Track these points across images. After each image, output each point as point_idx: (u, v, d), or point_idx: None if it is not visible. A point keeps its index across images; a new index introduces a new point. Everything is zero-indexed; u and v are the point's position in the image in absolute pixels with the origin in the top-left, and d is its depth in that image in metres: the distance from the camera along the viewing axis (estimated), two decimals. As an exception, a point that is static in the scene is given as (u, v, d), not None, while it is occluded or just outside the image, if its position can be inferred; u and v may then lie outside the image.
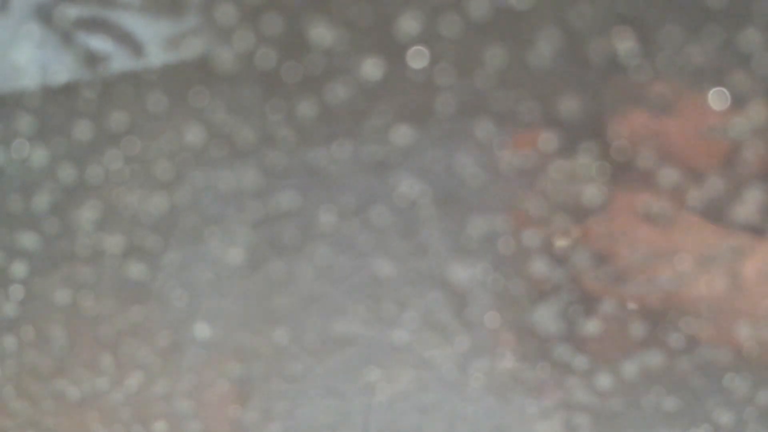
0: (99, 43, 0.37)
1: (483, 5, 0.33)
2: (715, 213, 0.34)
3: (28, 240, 0.39)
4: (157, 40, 0.36)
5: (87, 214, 0.38)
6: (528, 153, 0.34)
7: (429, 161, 0.35)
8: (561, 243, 0.36)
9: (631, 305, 0.36)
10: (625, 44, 0.32)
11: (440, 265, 0.36)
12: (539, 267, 0.36)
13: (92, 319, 0.39)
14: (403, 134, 0.35)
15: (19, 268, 0.39)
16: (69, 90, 0.36)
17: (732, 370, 0.36)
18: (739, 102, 0.32)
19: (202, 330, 0.39)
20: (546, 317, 0.37)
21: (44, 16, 0.36)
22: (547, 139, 0.34)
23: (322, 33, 0.33)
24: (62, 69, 0.37)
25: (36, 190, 0.38)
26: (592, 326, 0.36)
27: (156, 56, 0.36)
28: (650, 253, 0.35)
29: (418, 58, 0.33)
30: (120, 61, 0.37)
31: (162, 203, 0.37)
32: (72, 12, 0.36)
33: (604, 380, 0.37)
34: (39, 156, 0.37)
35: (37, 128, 0.37)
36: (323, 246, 0.37)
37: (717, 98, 0.33)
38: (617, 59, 0.32)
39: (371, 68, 0.34)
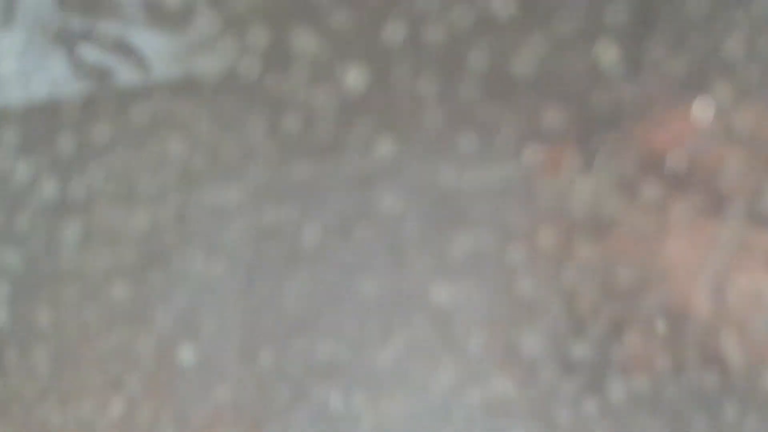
0: (98, 55, 0.37)
1: (467, 15, 0.33)
2: None
3: (10, 257, 0.38)
4: (157, 54, 0.36)
5: (70, 231, 0.37)
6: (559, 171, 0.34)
7: (413, 175, 0.35)
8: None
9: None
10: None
11: (425, 283, 0.36)
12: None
13: (76, 341, 0.39)
14: (387, 147, 0.35)
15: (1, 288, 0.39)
16: (55, 104, 0.36)
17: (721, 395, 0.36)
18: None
19: (187, 353, 0.39)
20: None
21: (45, 29, 0.36)
22: (572, 157, 0.34)
23: (305, 43, 0.33)
24: (60, 82, 0.37)
25: (19, 206, 0.38)
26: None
27: (156, 70, 0.36)
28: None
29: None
30: (120, 75, 0.37)
31: (144, 220, 0.37)
32: (71, 25, 0.37)
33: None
34: (23, 170, 0.37)
35: (22, 142, 0.37)
36: (307, 263, 0.36)
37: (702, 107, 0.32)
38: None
39: (355, 78, 0.34)
